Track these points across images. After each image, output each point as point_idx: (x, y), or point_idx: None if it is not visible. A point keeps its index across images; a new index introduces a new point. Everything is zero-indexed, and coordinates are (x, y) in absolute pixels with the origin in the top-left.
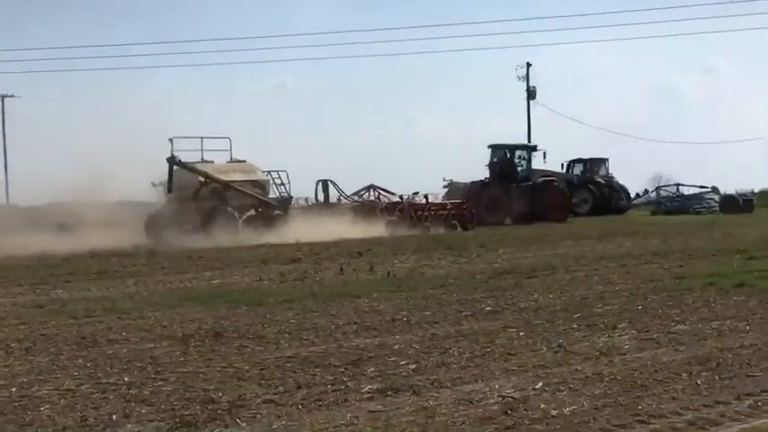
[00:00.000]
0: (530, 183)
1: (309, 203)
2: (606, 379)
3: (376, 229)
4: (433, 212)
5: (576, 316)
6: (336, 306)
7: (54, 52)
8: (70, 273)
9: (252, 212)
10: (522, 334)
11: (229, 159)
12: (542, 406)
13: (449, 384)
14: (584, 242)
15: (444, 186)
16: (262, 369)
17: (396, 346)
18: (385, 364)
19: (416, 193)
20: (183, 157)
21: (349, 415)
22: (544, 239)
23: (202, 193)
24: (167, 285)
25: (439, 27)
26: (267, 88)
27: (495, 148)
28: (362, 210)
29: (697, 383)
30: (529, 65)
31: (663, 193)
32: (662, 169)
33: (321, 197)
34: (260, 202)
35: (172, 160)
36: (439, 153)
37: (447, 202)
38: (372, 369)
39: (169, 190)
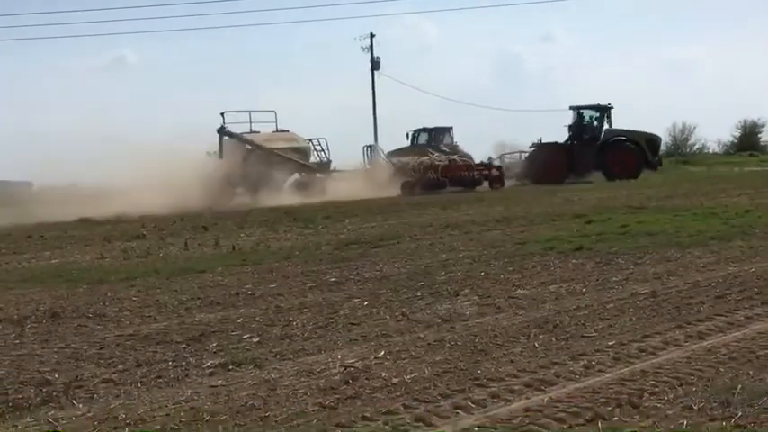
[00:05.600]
0: (599, 142)
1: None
2: (447, 345)
3: (395, 190)
4: (452, 174)
5: (419, 284)
6: (180, 282)
7: None
8: None
9: (296, 176)
10: (365, 304)
11: (275, 130)
12: (384, 374)
13: (291, 356)
14: (429, 210)
15: (530, 147)
16: (101, 348)
17: (239, 320)
18: (228, 339)
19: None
20: (234, 129)
21: (189, 391)
22: (391, 209)
23: (249, 160)
24: (3, 266)
25: None
26: (105, 62)
27: (574, 110)
28: (398, 172)
29: (535, 346)
30: (372, 35)
31: (506, 160)
32: (505, 137)
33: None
34: (301, 166)
35: (221, 131)
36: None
37: (473, 163)
38: (215, 344)
39: (220, 157)
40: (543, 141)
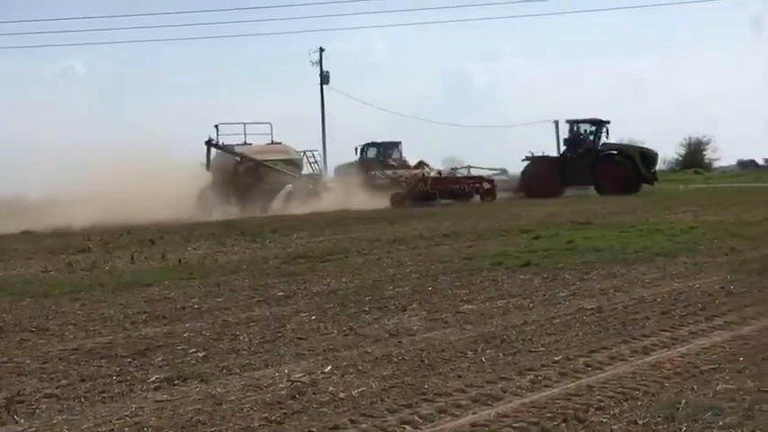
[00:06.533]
0: (591, 156)
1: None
2: (395, 360)
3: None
4: (442, 186)
5: (367, 299)
6: (126, 295)
7: None
8: None
9: (289, 188)
10: (313, 318)
11: (270, 142)
12: (331, 389)
13: (238, 371)
14: (378, 225)
15: (523, 160)
16: (44, 363)
17: (185, 335)
18: (173, 353)
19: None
20: (228, 141)
21: (134, 406)
22: (339, 223)
23: (238, 172)
24: None
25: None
26: (54, 72)
27: (570, 123)
28: (391, 184)
29: (482, 361)
30: (322, 50)
31: (456, 175)
32: (455, 152)
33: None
34: (293, 178)
35: (209, 143)
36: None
37: (464, 176)
38: (160, 358)
39: (207, 169)
40: (536, 155)
